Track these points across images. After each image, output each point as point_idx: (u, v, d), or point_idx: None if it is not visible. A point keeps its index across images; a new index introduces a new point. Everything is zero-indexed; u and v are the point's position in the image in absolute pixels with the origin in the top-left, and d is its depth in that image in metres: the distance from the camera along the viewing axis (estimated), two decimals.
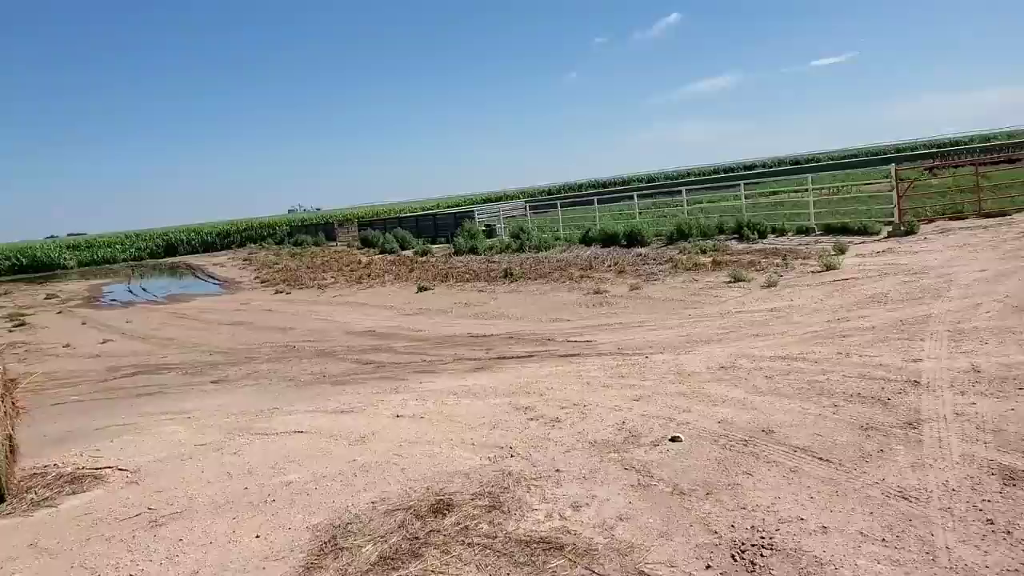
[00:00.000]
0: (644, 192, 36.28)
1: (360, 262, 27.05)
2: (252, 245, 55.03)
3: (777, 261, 14.06)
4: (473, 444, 5.33)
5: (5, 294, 30.70)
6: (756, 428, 4.82)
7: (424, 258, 25.43)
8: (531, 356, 9.01)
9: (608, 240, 20.65)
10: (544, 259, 19.58)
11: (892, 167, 18.26)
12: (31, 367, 12.11)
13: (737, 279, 12.62)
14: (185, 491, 5.01)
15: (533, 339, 10.19)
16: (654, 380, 6.60)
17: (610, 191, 62.45)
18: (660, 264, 15.81)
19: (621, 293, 13.20)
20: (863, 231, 16.51)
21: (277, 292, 21.16)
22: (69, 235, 68.63)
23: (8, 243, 58.60)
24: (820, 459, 4.16)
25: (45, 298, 26.91)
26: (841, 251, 14.06)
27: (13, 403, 5.65)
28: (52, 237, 65.63)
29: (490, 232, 28.90)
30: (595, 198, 28.52)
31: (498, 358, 9.14)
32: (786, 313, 9.46)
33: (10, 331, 17.32)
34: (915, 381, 5.37)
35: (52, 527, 4.65)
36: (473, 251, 24.54)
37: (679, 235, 19.30)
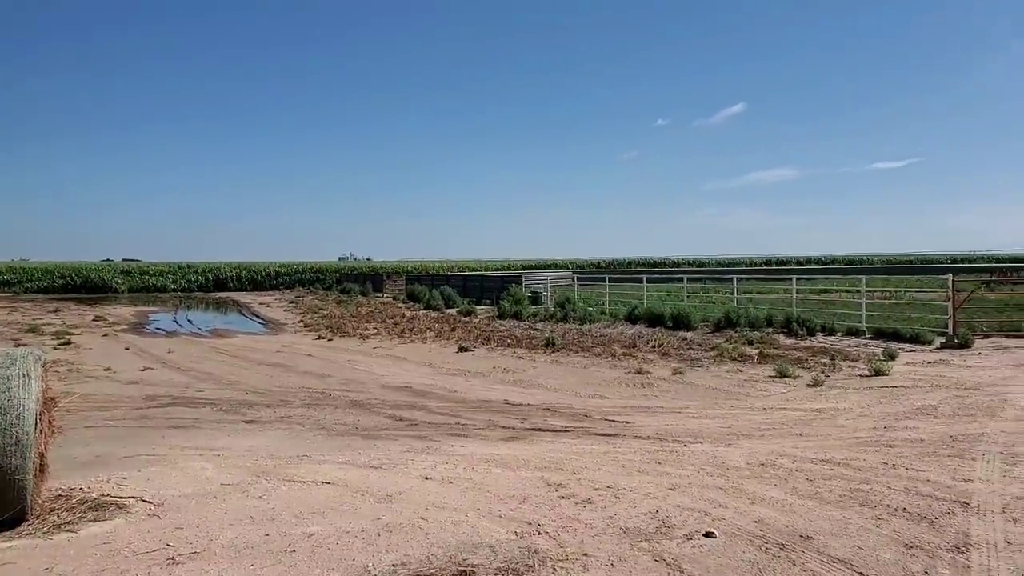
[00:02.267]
0: (693, 275, 36.08)
1: (404, 316, 27.29)
2: (300, 288, 56.15)
3: (825, 360, 13.70)
4: (501, 516, 5.20)
5: (55, 311, 31.71)
6: (794, 532, 4.60)
7: (468, 318, 25.53)
8: (567, 431, 8.85)
9: (654, 320, 20.47)
10: (587, 332, 19.46)
11: (949, 277, 17.84)
12: (71, 387, 12.35)
13: (783, 375, 12.31)
14: (206, 531, 4.97)
15: (570, 413, 10.03)
16: (691, 470, 6.40)
17: (659, 271, 62.33)
18: (705, 351, 15.55)
19: (663, 376, 12.97)
20: (915, 339, 16.04)
21: (319, 337, 21.40)
22: (124, 260, 71.08)
23: (64, 261, 60.82)
24: (861, 574, 3.93)
25: (93, 319, 27.68)
26: (891, 357, 13.64)
27: (50, 422, 5.74)
28: (108, 260, 67.83)
29: (535, 299, 28.95)
30: (644, 276, 28.45)
31: (533, 429, 9.00)
32: (831, 415, 9.14)
33: (55, 348, 17.77)
34: (964, 502, 5.09)
35: (69, 553, 4.63)
36: (517, 316, 24.57)
37: (726, 323, 19.03)
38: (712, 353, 15.16)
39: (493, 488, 6.17)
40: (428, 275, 47.18)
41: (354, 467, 6.97)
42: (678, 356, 15.04)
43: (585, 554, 4.39)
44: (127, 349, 18.35)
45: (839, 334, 17.57)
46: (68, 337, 20.06)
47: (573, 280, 33.93)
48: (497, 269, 61.96)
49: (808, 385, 11.54)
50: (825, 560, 4.13)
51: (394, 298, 40.79)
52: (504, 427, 9.15)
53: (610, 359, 15.05)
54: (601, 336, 18.54)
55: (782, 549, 4.33)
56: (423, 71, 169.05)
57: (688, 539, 4.56)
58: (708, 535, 4.62)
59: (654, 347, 16.25)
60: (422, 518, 5.19)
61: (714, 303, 25.00)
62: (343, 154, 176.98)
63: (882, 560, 4.11)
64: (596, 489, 5.84)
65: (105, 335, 22.17)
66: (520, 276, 35.24)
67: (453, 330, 21.49)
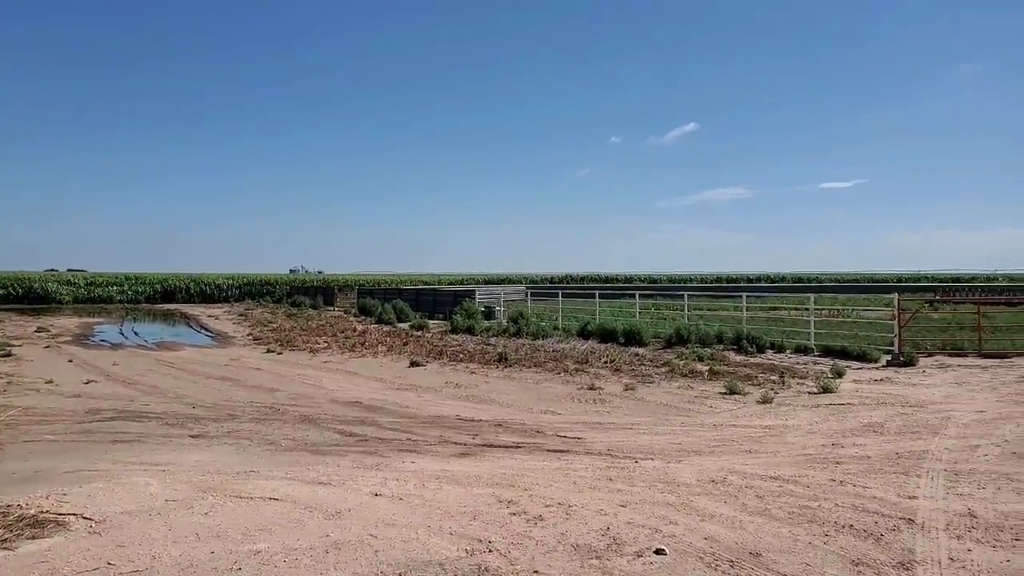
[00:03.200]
0: (645, 291, 36.55)
1: (355, 330, 26.98)
2: (250, 301, 55.12)
3: (774, 378, 14.00)
4: (451, 533, 5.17)
5: None
6: (744, 549, 4.68)
7: (420, 333, 25.38)
8: (519, 447, 8.85)
9: (606, 336, 20.66)
10: (540, 347, 19.52)
11: (895, 296, 18.39)
12: (10, 400, 11.89)
13: (733, 391, 12.54)
14: (149, 549, 4.82)
15: (522, 429, 10.03)
16: (642, 487, 6.46)
17: (611, 286, 62.98)
18: (657, 367, 15.75)
19: (615, 392, 13.08)
20: (862, 356, 16.50)
21: (268, 351, 21.01)
22: (69, 270, 68.59)
23: (6, 271, 58.58)
24: None
25: (35, 331, 26.70)
26: (839, 375, 14.02)
27: None
28: (52, 270, 65.60)
29: (489, 314, 28.94)
30: (597, 292, 28.68)
31: (485, 445, 8.98)
32: (780, 432, 9.34)
33: None
34: (909, 519, 5.25)
35: (5, 572, 4.45)
36: (470, 331, 24.51)
37: (678, 339, 19.31)
38: (663, 369, 15.36)
39: (444, 505, 6.13)
40: (380, 289, 46.80)
41: (303, 483, 6.85)
42: (630, 372, 15.19)
43: (536, 572, 4.39)
44: (70, 361, 17.73)
45: (788, 351, 17.98)
46: (8, 349, 19.30)
47: (527, 295, 34.04)
48: (450, 283, 61.79)
49: (758, 402, 11.77)
50: None
51: (345, 312, 40.32)
52: (456, 443, 9.11)
53: (563, 375, 15.12)
54: (554, 351, 18.63)
55: (732, 566, 4.40)
56: (373, 80, 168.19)
57: (639, 556, 4.60)
58: (658, 552, 4.66)
59: (606, 363, 16.39)
60: (371, 535, 5.12)
61: (665, 319, 25.34)
62: (293, 166, 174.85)
63: None
64: (547, 506, 5.85)
65: (47, 347, 21.40)
66: (473, 291, 35.21)
67: (405, 344, 21.34)
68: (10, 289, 52.08)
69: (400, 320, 31.24)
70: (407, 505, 6.13)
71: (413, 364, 17.12)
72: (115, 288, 57.57)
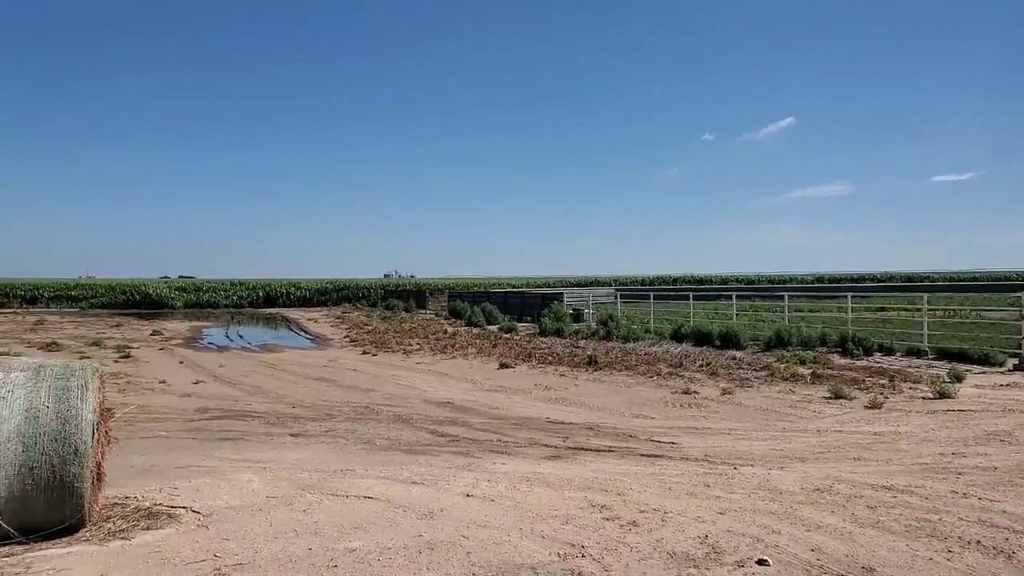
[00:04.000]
0: (741, 293, 35.40)
1: (446, 332, 27.38)
2: (346, 304, 56.93)
3: (883, 381, 13.20)
4: (543, 537, 5.08)
5: (117, 326, 32.75)
6: (855, 563, 4.37)
7: (508, 335, 25.47)
8: (611, 451, 8.68)
9: (701, 339, 20.10)
10: (631, 350, 19.20)
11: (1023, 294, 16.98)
12: (129, 399, 12.66)
13: (838, 395, 11.90)
14: (251, 543, 4.97)
15: (614, 433, 9.85)
16: (742, 494, 6.18)
17: (705, 288, 61.33)
18: (756, 370, 15.17)
19: (711, 396, 12.68)
20: (983, 360, 15.29)
21: (364, 352, 21.58)
22: (180, 277, 73.19)
23: (126, 279, 62.97)
24: None
25: (151, 334, 28.46)
26: (958, 379, 13.05)
27: (106, 432, 5.85)
28: (165, 278, 70.17)
29: (577, 316, 28.74)
30: (691, 293, 27.99)
31: (576, 448, 8.86)
32: (892, 439, 8.77)
33: (116, 362, 18.29)
34: None
35: (122, 561, 4.69)
36: (558, 333, 24.41)
37: (778, 342, 18.54)
38: (763, 373, 14.77)
39: (535, 507, 6.06)
40: (470, 292, 47.35)
41: (397, 482, 6.93)
42: (727, 376, 14.69)
43: None
44: (181, 363, 18.77)
45: (898, 354, 16.94)
46: (128, 351, 20.64)
47: (616, 298, 33.63)
48: (538, 286, 61.83)
49: (866, 407, 11.11)
50: None
51: (437, 314, 41.03)
52: (546, 445, 9.03)
53: (655, 378, 14.78)
54: (646, 354, 18.27)
55: None
56: (471, 93, 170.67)
57: (740, 566, 4.38)
58: (761, 562, 4.42)
59: (702, 366, 15.93)
60: (464, 536, 5.10)
61: (763, 321, 24.44)
62: (390, 171, 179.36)
63: None
64: (642, 511, 5.68)
65: (161, 349, 22.76)
66: (561, 293, 35.07)
67: (494, 346, 21.45)
68: (129, 295, 56.01)
69: (489, 323, 31.48)
70: (499, 507, 6.09)
71: (502, 366, 17.17)
72: (221, 293, 60.84)
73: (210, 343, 26.60)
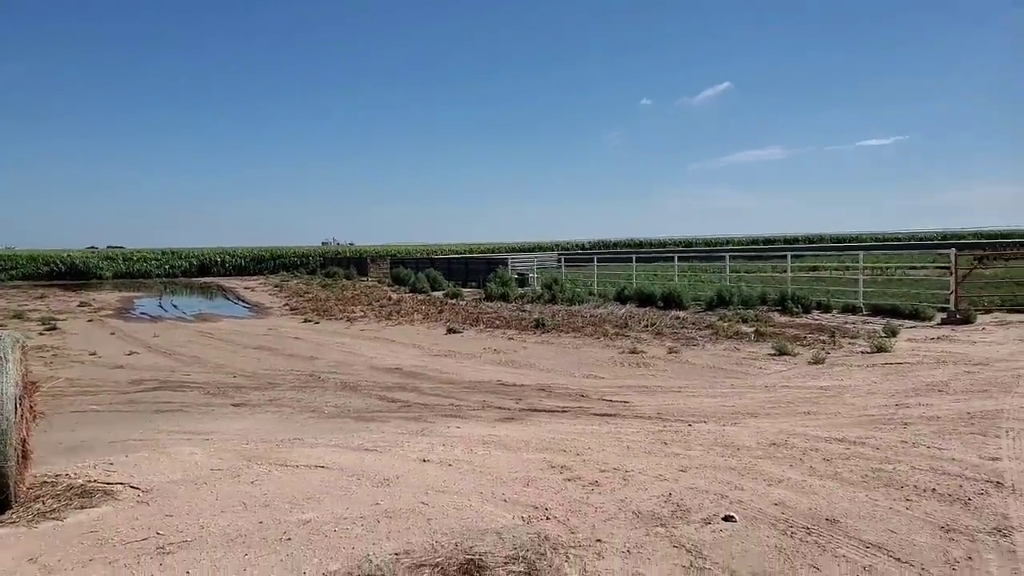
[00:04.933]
0: (682, 255, 35.91)
1: (390, 298, 26.96)
2: (284, 273, 55.55)
3: (824, 338, 13.55)
4: (505, 500, 4.96)
5: (41, 298, 31.12)
6: (819, 515, 4.39)
7: (454, 301, 25.24)
8: (564, 411, 8.62)
9: (644, 300, 20.28)
10: (577, 313, 19.24)
11: (952, 251, 17.64)
12: (56, 372, 11.98)
13: (782, 352, 12.15)
14: (197, 518, 4.69)
15: (566, 394, 9.80)
16: (700, 450, 6.19)
17: (646, 251, 62.12)
18: (699, 329, 15.38)
19: (658, 355, 12.78)
20: (915, 315, 15.89)
21: (305, 320, 21.05)
22: (109, 247, 69.89)
23: (50, 249, 59.84)
24: (898, 560, 3.71)
25: (78, 305, 27.13)
26: (893, 333, 13.49)
27: (31, 407, 5.41)
28: (92, 247, 66.93)
29: (522, 281, 28.69)
30: (633, 256, 28.20)
31: (529, 410, 8.77)
32: (837, 393, 8.97)
33: (40, 334, 17.33)
34: (997, 482, 4.89)
35: (55, 542, 4.36)
36: (504, 298, 24.31)
37: (719, 301, 18.86)
38: (707, 331, 14.99)
39: (495, 470, 5.93)
40: (412, 259, 46.78)
41: (348, 450, 6.71)
42: (672, 335, 14.85)
43: (599, 540, 4.16)
44: (112, 334, 17.92)
45: (835, 311, 17.44)
46: (53, 323, 19.57)
47: (560, 262, 33.67)
48: (483, 252, 61.54)
49: (809, 363, 11.37)
50: (857, 545, 3.91)
51: (379, 281, 40.41)
52: (500, 408, 8.91)
53: (602, 339, 14.83)
54: (591, 316, 18.33)
55: (808, 533, 4.12)
56: (409, 63, 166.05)
57: (706, 523, 4.34)
58: (728, 519, 4.40)
59: (647, 326, 16.06)
60: (423, 503, 4.94)
61: (703, 282, 24.83)
62: (325, 140, 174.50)
63: (919, 545, 3.90)
64: (603, 471, 5.62)
65: (90, 320, 21.69)
66: (506, 258, 34.94)
67: (440, 312, 21.21)
68: (53, 266, 53.27)
69: (434, 289, 31.15)
70: (456, 471, 5.94)
71: (450, 331, 16.96)
72: (153, 263, 58.49)
73: (143, 313, 25.52)
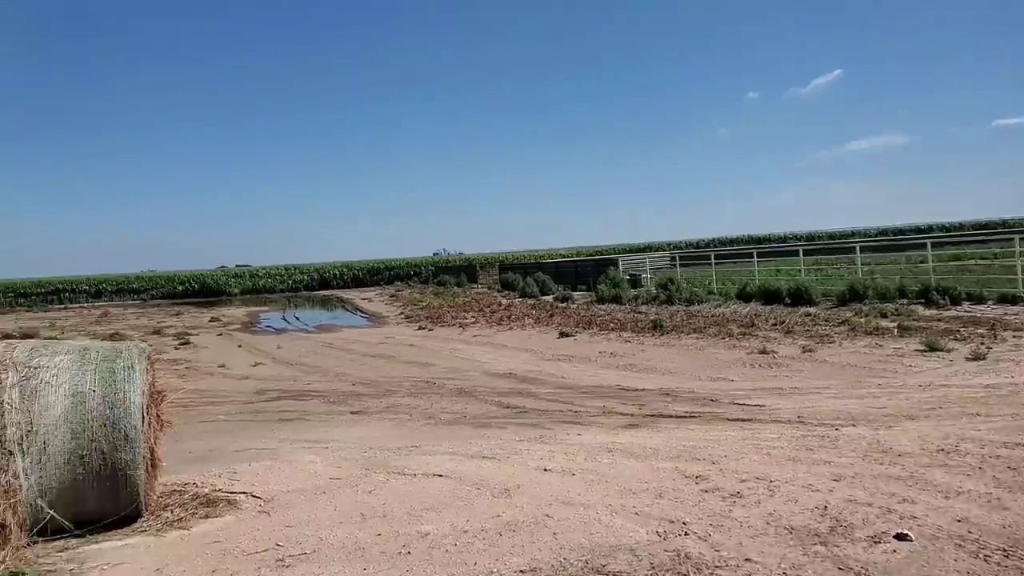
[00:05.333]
0: (807, 249, 33.93)
1: (500, 304, 26.93)
2: (399, 283, 57.08)
3: (981, 331, 12.17)
4: (637, 513, 4.52)
5: (177, 315, 33.28)
6: (1017, 535, 3.69)
7: (564, 304, 24.86)
8: (692, 416, 8.05)
9: (769, 297, 19.13)
10: (697, 313, 18.40)
11: None
12: (188, 383, 12.54)
13: (932, 348, 10.97)
14: (316, 530, 4.55)
15: (692, 398, 9.20)
16: (853, 457, 5.50)
17: (766, 247, 59.36)
18: (834, 326, 14.25)
19: (791, 354, 11.88)
20: None
21: (420, 328, 21.29)
22: (237, 266, 74.46)
23: (187, 270, 64.31)
24: None
25: (209, 321, 28.78)
26: None
27: (158, 416, 5.48)
28: (222, 267, 71.51)
29: (635, 282, 27.93)
30: (754, 251, 26.86)
31: (654, 415, 8.25)
32: (1011, 391, 7.90)
33: (175, 348, 18.38)
34: None
35: (181, 552, 4.33)
36: (616, 300, 23.68)
37: (852, 296, 17.46)
38: (842, 328, 13.85)
39: (622, 480, 5.50)
40: (520, 264, 46.75)
41: (466, 458, 6.46)
42: (804, 333, 13.83)
43: (747, 559, 3.66)
44: (239, 346, 18.76)
45: (990, 302, 15.72)
46: (187, 337, 20.76)
47: (673, 261, 32.60)
48: (589, 255, 60.79)
49: (968, 359, 10.19)
50: None
51: (489, 288, 40.64)
52: (622, 413, 8.44)
53: (727, 339, 14.02)
54: (713, 316, 17.46)
55: (1007, 556, 3.45)
56: (509, 70, 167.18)
57: (876, 542, 3.74)
58: (901, 537, 3.77)
59: (775, 324, 15.07)
60: (547, 515, 4.58)
61: (831, 277, 23.23)
62: (435, 155, 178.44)
63: None
64: (743, 480, 5.07)
65: (220, 334, 22.89)
66: (617, 259, 34.18)
67: (551, 316, 20.88)
68: (187, 285, 57.43)
69: (543, 293, 30.90)
70: (581, 481, 5.55)
71: (563, 335, 16.59)
72: (277, 278, 61.74)
73: (267, 326, 26.74)
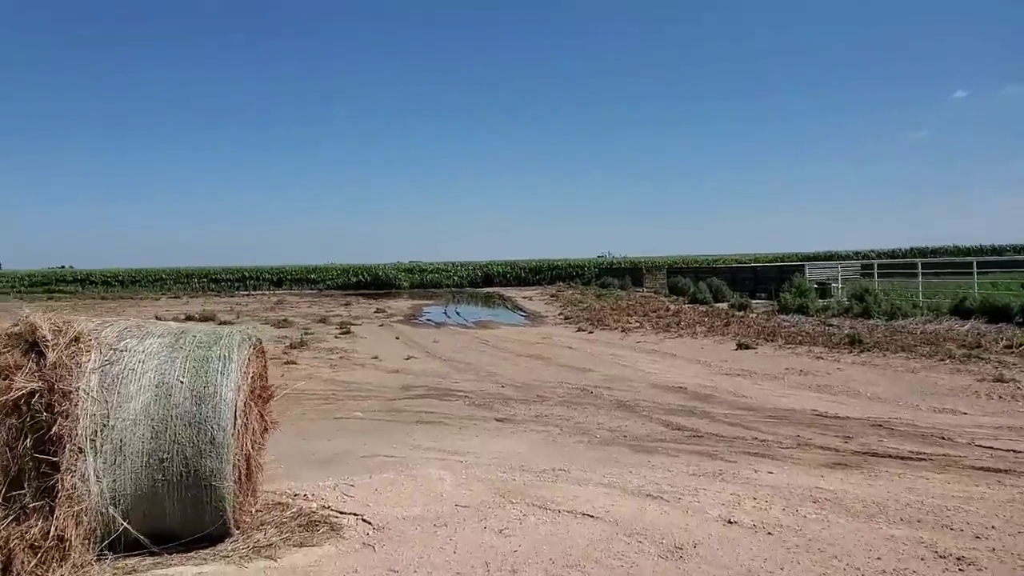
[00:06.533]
0: None
1: (667, 309, 25.08)
2: (560, 283, 56.28)
3: None
4: None
5: (346, 305, 34.44)
6: None
7: (742, 313, 22.57)
8: (921, 459, 6.19)
9: (995, 314, 15.95)
10: (901, 329, 15.70)
11: None
12: (338, 374, 12.18)
13: None
14: None
15: (914, 433, 7.26)
16: None
17: (981, 258, 52.18)
18: None
19: None
20: None
21: (579, 330, 20.09)
22: (411, 261, 77.43)
23: (361, 263, 67.66)
24: None
25: (374, 312, 29.34)
26: None
27: (261, 416, 4.64)
28: (397, 262, 74.58)
29: (823, 291, 24.95)
30: (974, 261, 23.12)
31: (866, 453, 6.46)
32: None
33: (336, 337, 18.46)
34: None
35: None
36: (802, 311, 21.09)
37: None
38: None
39: (840, 549, 3.98)
40: (691, 268, 44.08)
41: (625, 493, 5.15)
42: None
43: None
44: (397, 338, 18.55)
45: None
46: (349, 327, 20.95)
47: (868, 270, 28.98)
48: (769, 262, 56.51)
49: None
50: None
51: (655, 292, 38.57)
52: (823, 448, 6.72)
53: (947, 361, 11.55)
54: (923, 333, 14.76)
55: None
56: (645, 72, 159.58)
57: None
58: None
59: (1008, 347, 12.31)
60: None
61: None
62: (604, 157, 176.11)
63: None
64: None
65: (381, 325, 23.03)
66: (803, 266, 30.98)
67: (727, 325, 18.83)
68: (360, 277, 60.66)
69: (717, 299, 28.53)
70: (780, 544, 4.08)
71: (741, 347, 14.67)
72: (443, 273, 63.41)
73: (428, 320, 26.74)
